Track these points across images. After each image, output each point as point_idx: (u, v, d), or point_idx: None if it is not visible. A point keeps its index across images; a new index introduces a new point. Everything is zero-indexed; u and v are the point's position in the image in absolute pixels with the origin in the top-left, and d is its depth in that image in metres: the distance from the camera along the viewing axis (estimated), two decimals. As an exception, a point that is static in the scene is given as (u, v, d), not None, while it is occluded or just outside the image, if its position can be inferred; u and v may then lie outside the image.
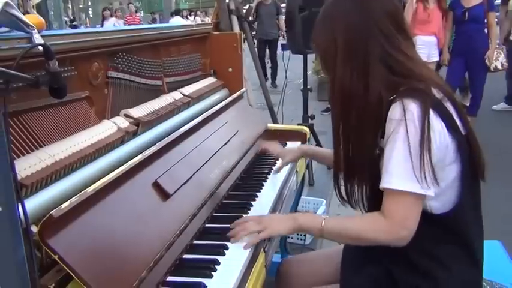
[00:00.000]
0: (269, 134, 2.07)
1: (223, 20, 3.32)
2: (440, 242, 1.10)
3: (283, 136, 2.08)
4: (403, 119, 1.01)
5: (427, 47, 4.54)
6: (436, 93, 1.06)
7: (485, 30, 4.59)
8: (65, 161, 1.01)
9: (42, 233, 0.82)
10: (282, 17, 7.36)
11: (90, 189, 0.94)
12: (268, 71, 7.97)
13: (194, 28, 1.94)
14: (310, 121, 3.63)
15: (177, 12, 12.76)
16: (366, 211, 1.21)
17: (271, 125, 2.16)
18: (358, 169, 1.16)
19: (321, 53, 1.17)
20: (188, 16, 14.49)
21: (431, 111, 1.01)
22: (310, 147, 1.72)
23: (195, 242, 1.19)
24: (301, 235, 2.56)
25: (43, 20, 1.09)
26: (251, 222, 1.21)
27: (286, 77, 3.66)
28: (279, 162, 1.69)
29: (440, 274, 1.10)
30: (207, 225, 1.28)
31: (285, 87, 3.62)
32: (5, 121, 0.74)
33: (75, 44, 1.15)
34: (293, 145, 2.00)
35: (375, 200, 1.13)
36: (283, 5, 6.21)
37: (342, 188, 1.24)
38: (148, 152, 1.18)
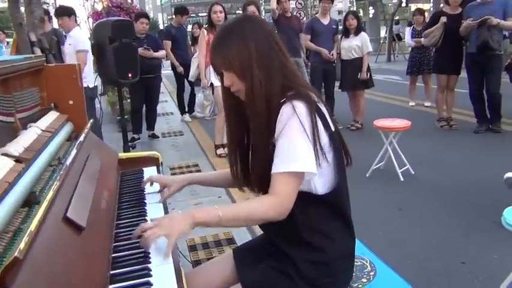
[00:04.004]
0: (124, 163, 2.06)
1: (24, 53, 3.10)
2: (326, 218, 1.36)
3: (137, 163, 2.11)
4: (295, 113, 1.24)
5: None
6: (314, 96, 1.32)
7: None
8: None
9: (4, 281, 0.75)
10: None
11: (33, 228, 0.88)
12: None
13: (33, 60, 1.83)
14: (132, 150, 3.64)
15: None
16: None
17: (122, 154, 2.15)
18: (260, 166, 1.34)
19: (236, 64, 1.30)
20: None
21: None
22: (193, 175, 1.80)
23: (116, 271, 1.18)
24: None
25: None
26: (154, 228, 1.23)
27: (101, 108, 3.60)
28: (165, 192, 1.72)
29: (329, 246, 1.35)
30: (114, 255, 1.27)
31: (102, 119, 3.56)
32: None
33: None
34: (149, 170, 2.05)
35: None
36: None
37: None
38: (55, 187, 1.13)
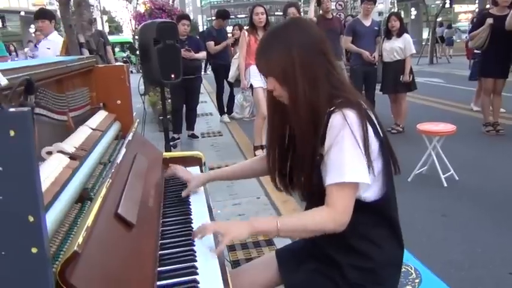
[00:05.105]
0: (168, 162, 2.10)
1: (73, 54, 3.20)
2: (374, 225, 1.34)
3: (180, 162, 2.14)
4: (346, 124, 1.22)
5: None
6: (364, 104, 1.30)
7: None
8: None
9: (63, 273, 0.78)
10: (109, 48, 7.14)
11: (90, 224, 0.91)
12: None
13: (85, 61, 1.89)
14: (173, 149, 3.70)
15: None
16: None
17: (166, 153, 2.19)
18: (304, 172, 1.33)
19: (278, 70, 1.30)
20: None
21: None
22: (215, 171, 1.83)
23: (163, 268, 1.20)
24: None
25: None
26: (213, 225, 1.30)
27: (144, 108, 3.68)
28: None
29: (376, 254, 1.33)
30: (161, 252, 1.30)
31: (145, 118, 3.63)
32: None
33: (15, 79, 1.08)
34: (192, 170, 2.08)
35: (312, 196, 1.34)
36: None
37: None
38: (107, 184, 1.17)
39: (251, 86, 5.03)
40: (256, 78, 5.02)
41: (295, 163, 1.41)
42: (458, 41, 20.19)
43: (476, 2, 18.94)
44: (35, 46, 8.27)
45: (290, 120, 1.37)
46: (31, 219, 0.69)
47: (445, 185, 3.90)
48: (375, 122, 1.31)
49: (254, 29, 5.04)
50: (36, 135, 1.29)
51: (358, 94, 1.36)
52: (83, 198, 1.23)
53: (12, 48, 13.43)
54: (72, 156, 1.28)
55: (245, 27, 6.17)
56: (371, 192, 1.32)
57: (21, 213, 0.68)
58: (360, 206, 1.30)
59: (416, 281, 1.58)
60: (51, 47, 4.65)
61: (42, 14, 4.83)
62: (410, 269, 1.64)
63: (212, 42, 7.02)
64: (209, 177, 1.78)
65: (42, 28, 4.84)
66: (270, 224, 1.28)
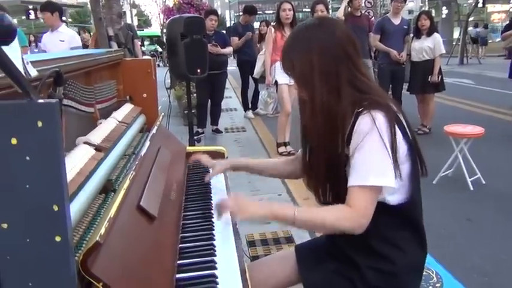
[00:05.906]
0: (191, 156, 2.12)
1: (102, 47, 3.25)
2: (397, 228, 1.32)
3: (203, 157, 2.16)
4: (374, 126, 1.19)
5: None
6: (393, 106, 1.28)
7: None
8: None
9: (85, 262, 0.80)
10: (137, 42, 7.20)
11: (113, 215, 0.93)
12: None
13: (113, 54, 1.92)
14: (196, 144, 3.73)
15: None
16: None
17: (189, 147, 2.21)
18: (332, 174, 1.32)
19: (298, 73, 1.30)
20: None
21: None
22: (240, 159, 1.83)
23: (183, 261, 1.22)
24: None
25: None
26: (230, 205, 1.30)
27: (169, 101, 3.72)
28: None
29: (398, 256, 1.31)
30: (181, 245, 1.31)
31: (170, 111, 3.67)
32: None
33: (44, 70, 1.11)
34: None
35: (338, 197, 1.32)
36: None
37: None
38: (131, 177, 1.19)
39: (276, 82, 5.02)
40: (281, 75, 5.00)
41: (312, 171, 1.42)
42: (490, 41, 19.71)
43: (511, 1, 18.41)
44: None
45: (304, 121, 1.37)
46: (56, 208, 0.71)
47: (471, 188, 3.82)
48: (404, 124, 1.28)
49: (281, 26, 5.03)
50: (63, 126, 1.33)
51: (387, 96, 1.34)
52: (107, 189, 1.26)
53: (32, 38, 13.64)
54: (97, 148, 1.30)
55: (272, 23, 6.15)
56: (397, 196, 1.29)
57: (47, 202, 0.70)
58: (385, 208, 1.28)
59: (438, 285, 1.56)
60: (65, 40, 4.66)
61: (43, 6, 4.89)
62: (431, 273, 1.62)
63: (236, 38, 7.03)
64: (232, 164, 1.76)
65: (45, 20, 4.88)
66: (288, 210, 1.27)
